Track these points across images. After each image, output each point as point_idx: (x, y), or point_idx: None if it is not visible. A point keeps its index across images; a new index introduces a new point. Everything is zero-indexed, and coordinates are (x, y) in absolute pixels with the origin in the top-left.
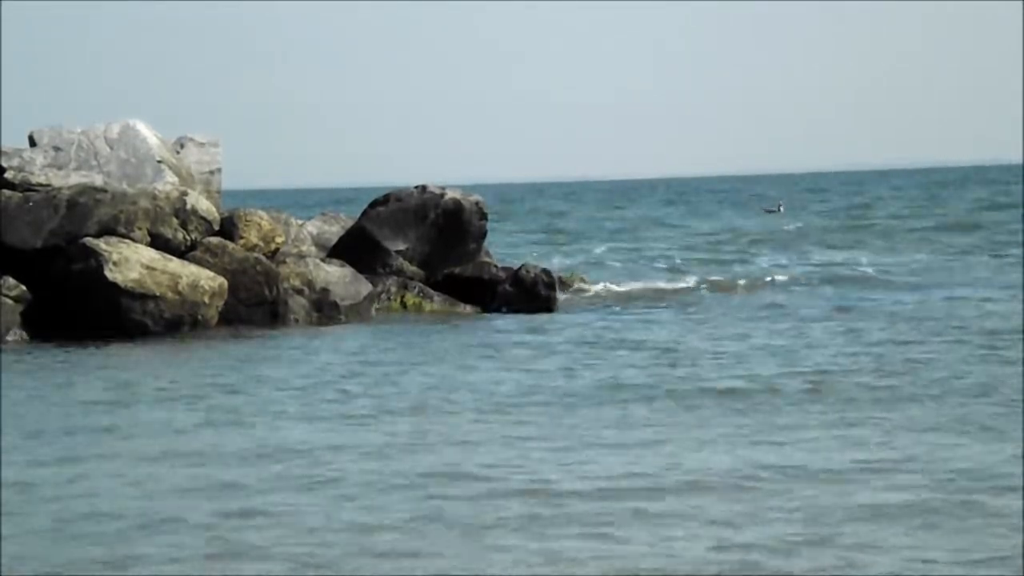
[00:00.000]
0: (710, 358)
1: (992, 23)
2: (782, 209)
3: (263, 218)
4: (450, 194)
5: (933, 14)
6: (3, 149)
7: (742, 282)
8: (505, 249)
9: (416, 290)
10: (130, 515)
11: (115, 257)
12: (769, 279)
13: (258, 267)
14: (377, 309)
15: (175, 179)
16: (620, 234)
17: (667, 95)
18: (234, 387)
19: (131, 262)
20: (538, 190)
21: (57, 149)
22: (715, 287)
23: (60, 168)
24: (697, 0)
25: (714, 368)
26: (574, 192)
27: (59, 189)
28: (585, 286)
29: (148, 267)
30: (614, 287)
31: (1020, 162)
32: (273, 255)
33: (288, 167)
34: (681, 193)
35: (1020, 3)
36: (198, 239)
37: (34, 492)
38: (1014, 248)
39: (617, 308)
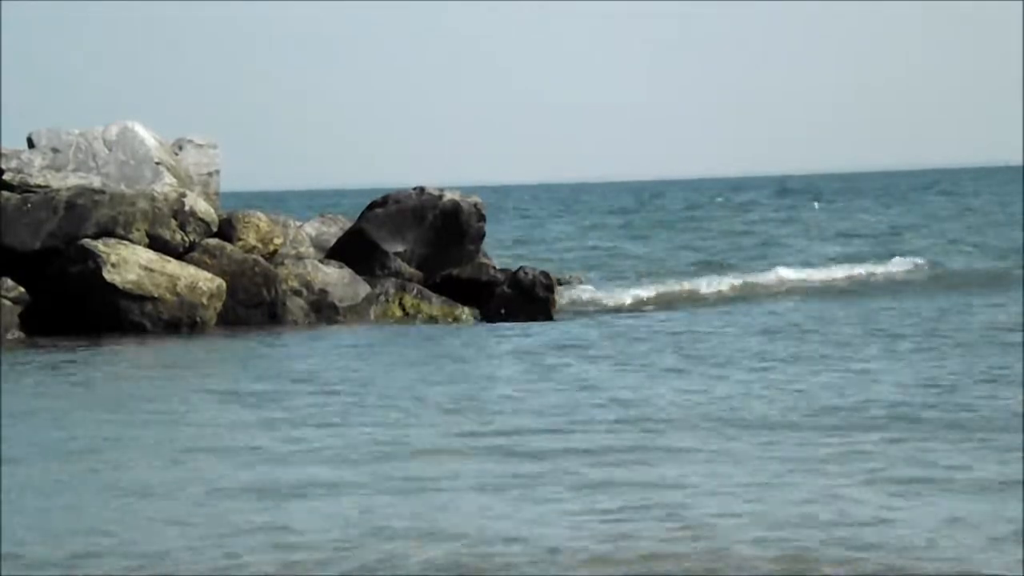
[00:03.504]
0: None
1: (992, 23)
2: (817, 206)
3: (261, 219)
4: (448, 195)
5: (933, 14)
6: (2, 150)
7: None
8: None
9: (414, 292)
10: None
11: (113, 258)
12: None
13: (256, 268)
14: (376, 313)
15: (174, 181)
16: None
17: (666, 95)
18: None
19: (129, 263)
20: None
21: (55, 151)
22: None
23: (58, 170)
24: (696, 0)
25: None
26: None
27: (57, 191)
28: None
29: (146, 268)
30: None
31: (1020, 163)
32: (271, 256)
33: (286, 169)
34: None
35: (1020, 3)
36: (196, 240)
37: None
38: None
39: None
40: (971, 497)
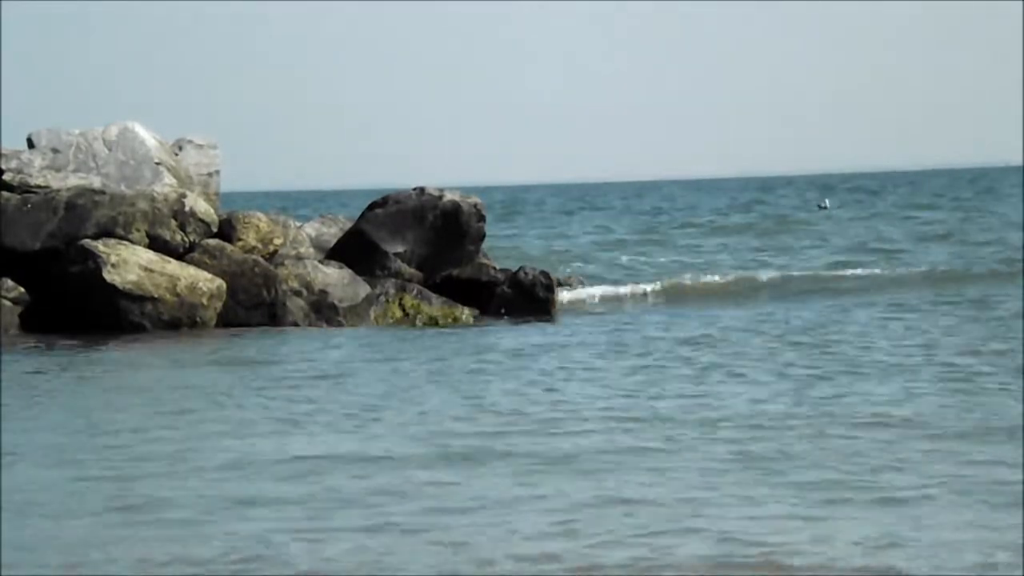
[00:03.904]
0: None
1: (992, 23)
2: (828, 204)
3: (261, 220)
4: (448, 196)
5: (933, 14)
6: (2, 151)
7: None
8: None
9: (414, 292)
10: None
11: (113, 259)
12: None
13: (256, 269)
14: (376, 313)
15: (173, 181)
16: None
17: (667, 95)
18: None
19: (129, 264)
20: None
21: (55, 151)
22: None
23: (58, 170)
24: (697, 0)
25: None
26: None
27: (57, 191)
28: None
29: (146, 269)
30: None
31: (1020, 164)
32: (271, 257)
33: (287, 169)
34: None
35: (1020, 3)
36: (196, 241)
37: None
38: None
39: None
40: None
